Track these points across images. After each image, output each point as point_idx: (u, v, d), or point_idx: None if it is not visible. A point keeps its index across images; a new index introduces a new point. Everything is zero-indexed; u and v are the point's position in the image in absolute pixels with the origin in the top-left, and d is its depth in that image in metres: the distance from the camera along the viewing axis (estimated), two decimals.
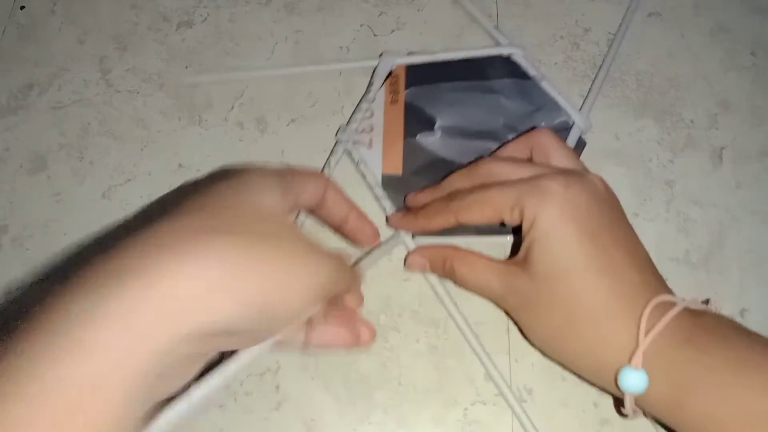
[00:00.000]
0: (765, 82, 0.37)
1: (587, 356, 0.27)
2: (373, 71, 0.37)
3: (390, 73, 0.37)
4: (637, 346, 0.25)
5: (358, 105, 0.36)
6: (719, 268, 0.34)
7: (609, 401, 0.31)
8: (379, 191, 0.34)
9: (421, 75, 0.37)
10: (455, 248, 0.31)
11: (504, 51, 0.37)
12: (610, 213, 0.28)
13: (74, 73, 0.39)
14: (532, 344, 0.30)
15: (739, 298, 0.33)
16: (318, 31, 0.39)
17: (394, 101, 0.37)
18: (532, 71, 0.37)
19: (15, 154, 0.37)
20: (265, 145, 0.37)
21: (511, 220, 0.29)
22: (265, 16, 0.40)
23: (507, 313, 0.31)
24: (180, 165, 0.37)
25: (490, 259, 0.30)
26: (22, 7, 0.41)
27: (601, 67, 0.38)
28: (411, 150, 0.36)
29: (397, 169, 0.35)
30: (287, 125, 0.37)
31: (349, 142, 0.35)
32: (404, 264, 0.33)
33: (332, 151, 0.36)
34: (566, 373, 0.32)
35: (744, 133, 0.36)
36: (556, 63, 0.38)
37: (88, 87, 0.39)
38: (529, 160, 0.32)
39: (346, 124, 0.36)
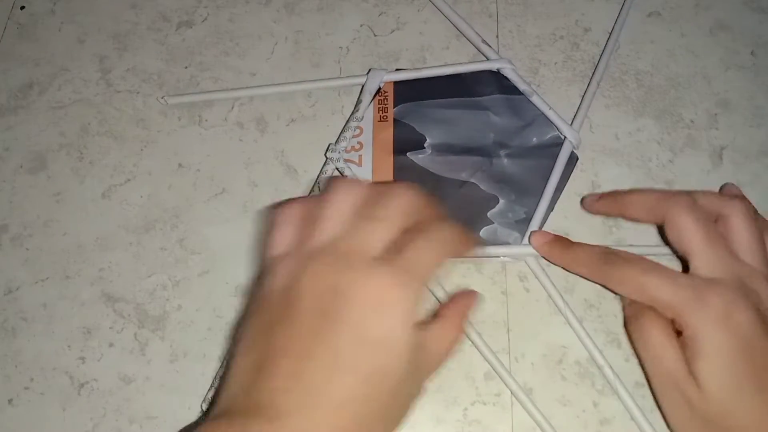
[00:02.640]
0: (765, 82, 0.37)
1: None
2: (361, 88, 0.37)
3: (378, 90, 0.37)
4: None
5: (346, 123, 0.36)
6: None
7: (609, 401, 0.31)
8: None
9: (409, 91, 0.37)
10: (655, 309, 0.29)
11: (493, 66, 0.37)
12: (755, 322, 0.27)
13: (74, 73, 0.39)
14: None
15: None
16: (318, 31, 0.39)
17: (383, 119, 0.36)
18: (522, 86, 0.36)
19: (15, 153, 0.37)
20: (265, 145, 0.37)
21: (663, 315, 0.28)
22: (265, 16, 0.40)
23: (654, 397, 0.30)
24: (180, 165, 0.37)
25: (678, 345, 0.28)
26: (22, 7, 0.41)
27: (591, 77, 0.37)
28: (401, 167, 0.35)
29: None
30: (287, 125, 0.37)
31: (339, 160, 0.35)
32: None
33: (321, 170, 0.35)
34: (566, 373, 0.32)
35: (744, 133, 0.36)
36: (556, 63, 0.38)
37: (88, 87, 0.39)
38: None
39: (335, 143, 0.36)
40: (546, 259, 0.33)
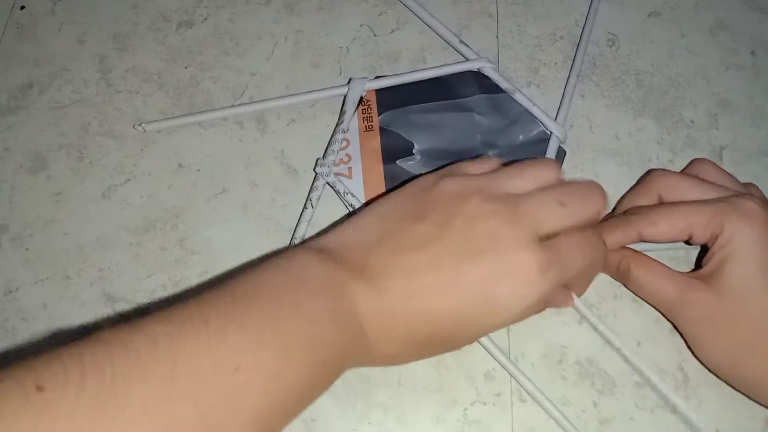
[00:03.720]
0: (765, 82, 0.37)
1: None
2: (344, 99, 0.37)
3: (361, 99, 0.37)
4: None
5: (332, 136, 0.36)
6: None
7: (609, 401, 0.31)
8: None
9: (392, 99, 0.37)
10: (633, 250, 0.31)
11: (473, 66, 0.37)
12: None
13: (74, 73, 0.39)
14: (704, 362, 0.30)
15: None
16: (318, 31, 0.39)
17: (368, 128, 0.36)
18: (503, 84, 0.36)
19: (15, 153, 0.37)
20: (265, 145, 0.37)
21: (702, 237, 0.29)
22: (265, 16, 0.40)
23: (675, 327, 0.31)
24: (180, 165, 0.37)
25: (670, 268, 0.30)
26: (22, 7, 0.41)
27: (570, 71, 0.37)
28: (392, 175, 0.35)
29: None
30: (287, 125, 0.37)
31: (329, 174, 0.35)
32: None
33: (312, 185, 0.35)
34: (566, 373, 0.32)
35: (744, 133, 0.36)
36: (556, 63, 0.38)
37: (88, 87, 0.39)
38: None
39: (323, 157, 0.35)
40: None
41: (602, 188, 0.29)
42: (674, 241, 0.30)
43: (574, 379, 0.32)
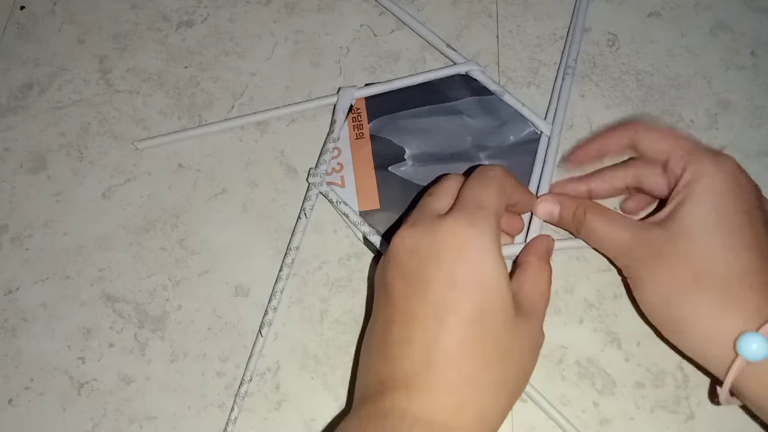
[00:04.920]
0: (765, 82, 0.37)
1: (705, 317, 0.26)
2: (333, 108, 0.37)
3: (351, 108, 0.37)
4: None
5: (324, 145, 0.36)
6: None
7: (609, 401, 0.31)
8: (366, 228, 0.34)
9: (382, 105, 0.37)
10: (588, 200, 0.31)
11: (461, 69, 0.37)
12: (759, 197, 0.29)
13: (74, 73, 0.39)
14: (641, 303, 0.29)
15: None
16: (318, 31, 0.39)
17: (359, 136, 0.36)
18: (492, 86, 0.36)
19: (15, 153, 0.37)
20: (265, 145, 0.37)
21: (676, 165, 0.29)
22: (265, 16, 0.40)
23: (620, 272, 0.31)
24: (180, 165, 0.37)
25: (624, 215, 0.30)
26: (22, 7, 0.41)
27: (558, 70, 0.37)
28: (385, 182, 0.35)
29: (374, 203, 0.35)
30: (287, 125, 0.37)
31: (322, 184, 0.35)
32: (531, 212, 0.33)
33: (306, 195, 0.35)
34: (566, 373, 0.32)
35: (744, 133, 0.36)
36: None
37: (88, 87, 0.39)
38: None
39: (315, 167, 0.35)
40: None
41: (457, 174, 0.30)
42: (653, 164, 0.30)
43: (574, 379, 0.32)
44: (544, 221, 0.33)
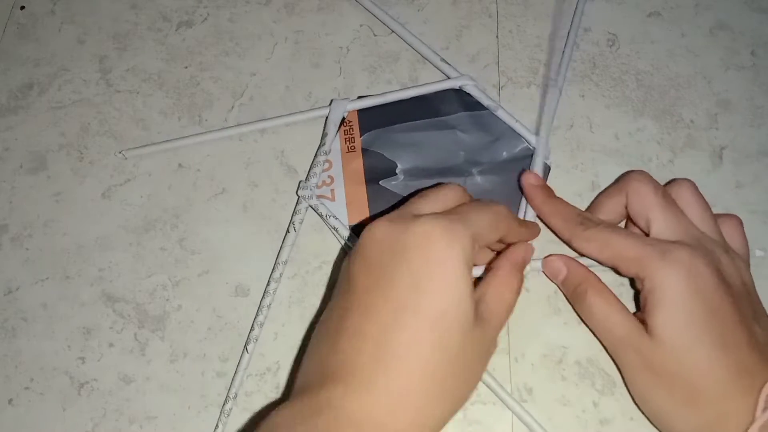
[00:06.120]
0: (765, 82, 0.37)
1: (702, 426, 0.27)
2: (325, 120, 0.36)
3: (343, 120, 0.36)
4: (753, 420, 0.25)
5: (314, 158, 0.36)
6: None
7: (609, 401, 0.31)
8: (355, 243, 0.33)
9: (374, 119, 0.36)
10: (596, 277, 0.31)
11: (455, 84, 0.36)
12: (730, 290, 0.28)
13: (74, 73, 0.39)
14: (641, 408, 0.30)
15: None
16: (318, 31, 0.39)
17: (351, 149, 0.36)
18: (485, 101, 0.36)
19: (15, 154, 0.37)
20: (265, 145, 0.37)
21: (626, 271, 0.29)
22: (265, 16, 0.40)
23: (615, 364, 0.31)
24: (180, 165, 0.37)
25: (623, 305, 0.29)
26: (22, 7, 0.41)
27: (549, 82, 0.37)
28: (375, 196, 0.35)
29: (363, 217, 0.35)
30: (287, 126, 0.37)
31: (312, 197, 0.34)
32: (542, 265, 0.32)
33: (295, 209, 0.35)
34: (566, 373, 0.32)
35: (744, 133, 0.36)
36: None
37: (88, 87, 0.39)
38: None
39: (306, 179, 0.35)
40: (527, 200, 0.33)
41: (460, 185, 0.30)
42: (604, 264, 0.30)
43: (574, 379, 0.32)
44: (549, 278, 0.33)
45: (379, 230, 0.26)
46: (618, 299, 0.30)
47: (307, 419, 0.23)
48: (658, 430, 0.30)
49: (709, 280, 0.27)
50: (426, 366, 0.24)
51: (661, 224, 0.29)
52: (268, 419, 0.24)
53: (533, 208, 0.33)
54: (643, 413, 0.30)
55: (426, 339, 0.24)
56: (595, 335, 0.31)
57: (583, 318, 0.31)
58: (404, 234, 0.25)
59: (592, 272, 0.31)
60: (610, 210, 0.32)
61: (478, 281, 0.29)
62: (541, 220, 0.33)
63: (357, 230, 0.34)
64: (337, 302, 0.27)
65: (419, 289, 0.24)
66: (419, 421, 0.24)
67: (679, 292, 0.27)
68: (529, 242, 0.31)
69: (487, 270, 0.30)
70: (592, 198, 0.35)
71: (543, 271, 0.32)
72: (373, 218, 0.34)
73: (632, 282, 0.33)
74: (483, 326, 0.26)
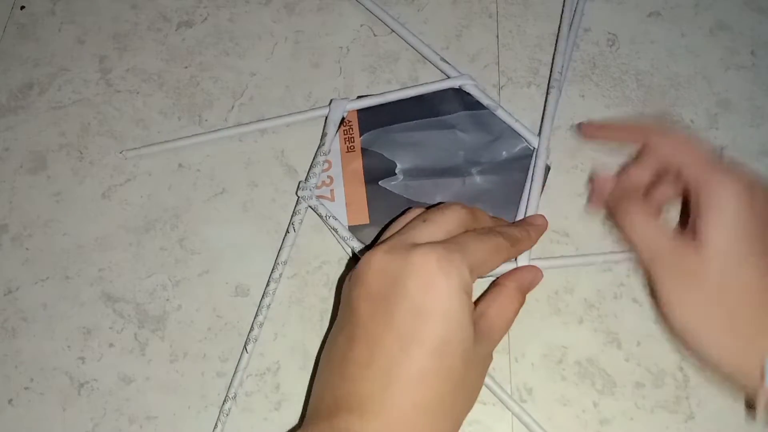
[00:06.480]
0: (765, 82, 0.37)
1: (736, 339, 0.27)
2: (325, 120, 0.36)
3: (342, 120, 0.36)
4: None
5: (314, 158, 0.36)
6: None
7: (609, 401, 0.31)
8: (355, 243, 0.33)
9: (374, 118, 0.36)
10: (638, 194, 0.31)
11: (455, 83, 0.36)
12: None
13: (74, 73, 0.39)
14: (670, 316, 0.29)
15: None
16: (318, 31, 0.39)
17: (350, 149, 0.36)
18: (485, 100, 0.36)
19: (15, 153, 0.37)
20: (265, 145, 0.37)
21: (687, 175, 0.29)
22: (265, 16, 0.40)
23: (649, 277, 0.30)
24: (180, 165, 0.37)
25: (660, 223, 0.30)
26: (22, 7, 0.41)
27: (548, 84, 0.37)
28: (375, 196, 0.35)
29: (363, 218, 0.35)
30: (287, 125, 0.37)
31: (311, 197, 0.34)
32: (589, 181, 0.34)
33: (294, 209, 0.35)
34: (566, 373, 0.32)
35: (744, 133, 0.36)
36: None
37: (88, 87, 0.39)
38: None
39: (305, 180, 0.35)
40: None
41: (463, 204, 0.29)
42: (665, 171, 0.31)
43: (574, 379, 0.32)
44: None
45: (377, 261, 0.26)
46: (656, 211, 0.31)
47: None
48: (682, 349, 0.30)
49: (765, 199, 0.28)
50: (430, 392, 0.25)
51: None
52: None
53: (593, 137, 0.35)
54: (667, 332, 0.30)
55: (431, 368, 0.25)
56: (638, 254, 0.30)
57: (624, 232, 0.31)
58: (402, 265, 0.26)
59: (635, 189, 0.32)
60: (641, 173, 0.32)
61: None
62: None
63: (354, 230, 0.34)
64: (343, 331, 0.27)
65: (421, 319, 0.25)
66: None
67: (736, 205, 0.27)
68: (538, 267, 0.32)
69: (493, 284, 0.30)
70: None
71: (589, 183, 0.34)
72: (372, 219, 0.34)
73: (684, 206, 0.32)
74: (482, 342, 0.27)
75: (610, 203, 0.32)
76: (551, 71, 0.37)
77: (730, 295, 0.27)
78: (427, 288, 0.25)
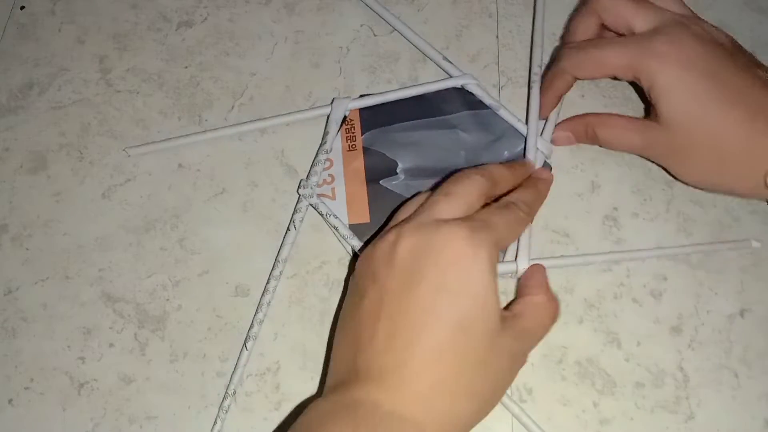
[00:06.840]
0: None
1: (745, 177, 0.30)
2: (327, 119, 0.36)
3: (344, 119, 0.36)
4: None
5: (315, 156, 0.36)
6: (719, 268, 0.33)
7: (609, 401, 0.31)
8: (355, 242, 0.33)
9: (376, 117, 0.36)
10: (595, 114, 0.35)
11: (457, 82, 0.36)
12: (721, 47, 0.31)
13: (74, 73, 0.39)
14: (689, 183, 0.33)
15: (739, 298, 0.33)
16: (318, 31, 0.39)
17: (352, 148, 0.36)
18: (488, 100, 0.36)
19: (15, 153, 0.37)
20: (265, 145, 0.37)
21: (625, 77, 0.32)
22: (265, 16, 0.40)
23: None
24: (180, 165, 0.37)
25: (629, 119, 0.33)
26: (22, 7, 0.41)
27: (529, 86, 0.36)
28: (376, 196, 0.35)
29: (364, 217, 0.35)
30: (287, 125, 0.37)
31: (312, 196, 0.34)
32: (551, 141, 0.35)
33: (295, 207, 0.35)
34: (566, 373, 0.32)
35: None
36: None
37: (88, 87, 0.39)
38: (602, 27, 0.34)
39: (306, 178, 0.35)
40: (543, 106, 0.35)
41: (480, 172, 0.30)
42: (602, 78, 0.34)
43: (574, 379, 0.32)
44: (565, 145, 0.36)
45: (406, 236, 0.27)
46: (621, 117, 0.34)
47: (347, 411, 0.25)
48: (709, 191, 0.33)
49: (698, 47, 0.30)
50: (449, 368, 0.25)
51: (638, 22, 0.32)
52: (307, 413, 0.26)
53: (542, 106, 0.35)
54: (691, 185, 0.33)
55: (450, 343, 0.25)
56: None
57: (610, 149, 0.35)
58: (430, 241, 0.26)
59: (590, 114, 0.35)
60: (584, 31, 0.34)
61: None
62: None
63: (355, 229, 0.34)
64: (365, 301, 0.27)
65: (445, 292, 0.25)
66: (448, 420, 0.25)
67: (672, 75, 0.30)
68: (542, 265, 0.32)
69: (522, 287, 0.30)
70: (593, 198, 0.35)
71: (556, 144, 0.35)
72: (372, 218, 0.34)
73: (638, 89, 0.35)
74: (514, 338, 0.27)
75: (582, 140, 0.35)
76: (530, 66, 0.37)
77: (713, 148, 0.30)
78: (456, 265, 0.26)
